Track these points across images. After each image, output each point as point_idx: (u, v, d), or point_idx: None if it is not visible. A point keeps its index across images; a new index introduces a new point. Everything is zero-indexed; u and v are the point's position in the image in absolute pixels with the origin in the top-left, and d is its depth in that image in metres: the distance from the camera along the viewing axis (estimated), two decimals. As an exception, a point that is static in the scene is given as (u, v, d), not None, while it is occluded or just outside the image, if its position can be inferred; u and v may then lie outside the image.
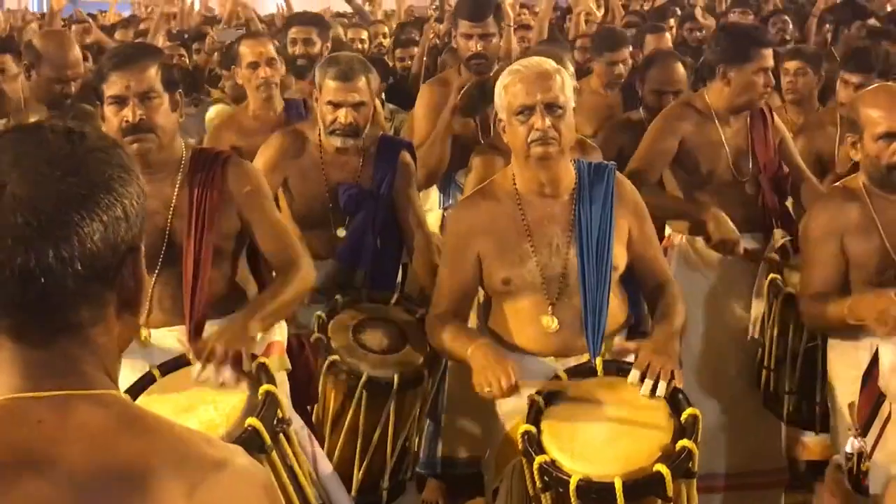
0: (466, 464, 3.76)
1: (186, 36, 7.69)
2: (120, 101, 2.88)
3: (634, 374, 2.73)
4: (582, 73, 6.52)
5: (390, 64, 6.90)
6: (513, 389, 2.71)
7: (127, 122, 2.87)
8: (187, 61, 6.84)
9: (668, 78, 4.64)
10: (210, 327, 2.94)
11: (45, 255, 1.11)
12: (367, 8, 10.24)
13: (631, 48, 5.60)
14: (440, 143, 4.10)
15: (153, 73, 2.89)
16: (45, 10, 15.42)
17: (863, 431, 2.68)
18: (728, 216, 3.90)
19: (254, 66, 4.43)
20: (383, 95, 6.15)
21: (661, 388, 2.69)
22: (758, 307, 3.77)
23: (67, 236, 1.12)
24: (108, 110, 2.91)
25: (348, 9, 10.25)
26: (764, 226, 3.97)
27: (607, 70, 5.39)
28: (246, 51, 4.49)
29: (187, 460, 1.15)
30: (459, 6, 4.40)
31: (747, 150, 3.97)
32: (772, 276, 3.66)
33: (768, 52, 3.91)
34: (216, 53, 6.56)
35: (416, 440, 3.37)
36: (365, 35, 7.48)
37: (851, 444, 2.54)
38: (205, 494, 1.13)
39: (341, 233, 3.71)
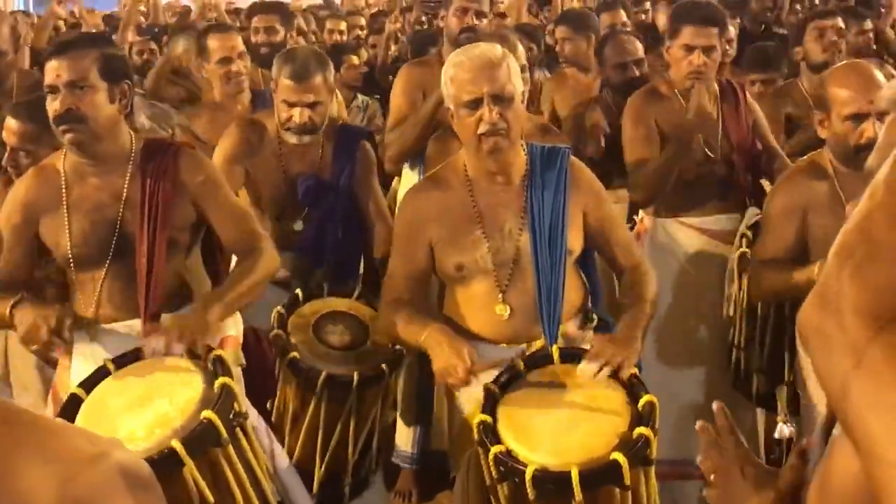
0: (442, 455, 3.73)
1: (157, 30, 7.62)
2: (52, 90, 2.84)
3: (585, 368, 2.69)
4: (554, 56, 6.51)
5: (364, 52, 6.87)
6: (469, 374, 2.69)
7: (56, 111, 2.83)
8: (156, 54, 6.78)
9: (624, 49, 4.66)
10: (165, 321, 2.90)
11: None
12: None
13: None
14: (421, 127, 4.02)
15: (87, 63, 2.83)
16: (30, 8, 15.31)
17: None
18: (701, 196, 3.89)
19: (226, 61, 4.37)
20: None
21: (625, 374, 2.65)
22: (731, 286, 3.76)
23: None
24: (47, 100, 2.87)
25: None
26: (738, 205, 3.95)
27: (560, 48, 5.37)
28: (216, 45, 4.42)
29: (58, 455, 1.10)
30: None
31: (717, 128, 3.95)
32: (741, 250, 3.64)
33: (697, 29, 3.85)
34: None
35: (379, 434, 3.33)
36: (343, 26, 7.47)
37: (780, 431, 2.52)
38: (77, 490, 1.08)
39: (298, 226, 3.68)
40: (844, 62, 3.70)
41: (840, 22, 4.53)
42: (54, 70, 2.83)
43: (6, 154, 3.27)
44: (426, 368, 2.94)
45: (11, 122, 3.27)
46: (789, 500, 1.36)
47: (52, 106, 2.84)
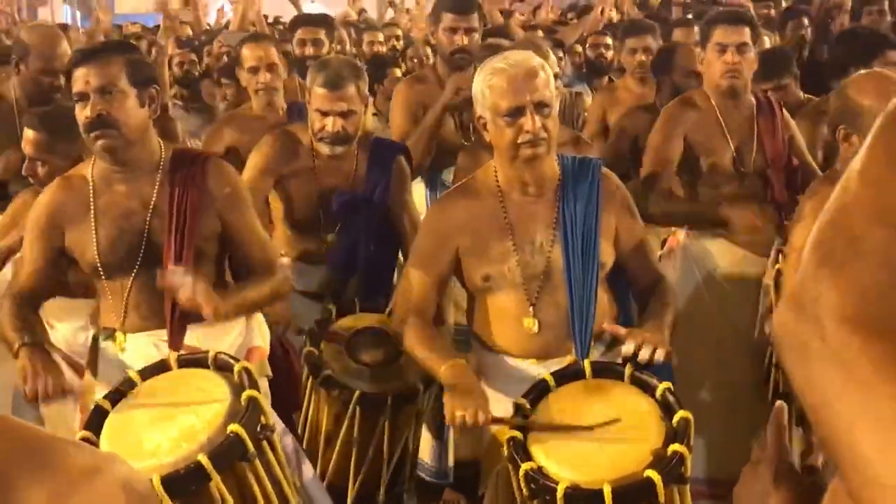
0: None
1: (196, 42, 7.68)
2: (82, 98, 2.83)
3: (628, 347, 2.64)
4: (595, 69, 6.46)
5: (402, 64, 6.87)
6: (485, 423, 2.63)
7: (87, 117, 2.82)
8: (198, 67, 6.82)
9: (694, 57, 4.53)
10: (191, 332, 2.89)
11: None
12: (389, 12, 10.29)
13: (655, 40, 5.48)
14: (427, 137, 4.02)
15: (116, 69, 2.83)
16: (77, 21, 15.49)
17: None
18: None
19: (254, 70, 4.39)
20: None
21: (660, 354, 2.60)
22: (766, 302, 3.67)
23: None
24: (76, 109, 2.86)
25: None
26: (773, 219, 3.87)
27: (628, 58, 5.27)
28: (247, 54, 4.45)
29: (50, 468, 1.05)
30: (443, 0, 4.29)
31: (752, 142, 3.88)
32: (778, 266, 3.54)
33: (728, 28, 3.81)
34: (224, 57, 6.55)
35: (413, 450, 3.28)
36: (381, 38, 7.52)
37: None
38: None
39: (330, 238, 3.65)
40: (866, 72, 3.60)
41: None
42: (83, 77, 2.82)
43: (25, 163, 3.29)
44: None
45: (28, 132, 3.29)
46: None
47: (83, 113, 2.83)
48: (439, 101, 3.98)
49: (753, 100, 3.95)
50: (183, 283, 2.72)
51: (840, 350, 0.87)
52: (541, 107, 2.79)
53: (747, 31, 3.84)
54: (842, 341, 0.87)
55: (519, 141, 2.80)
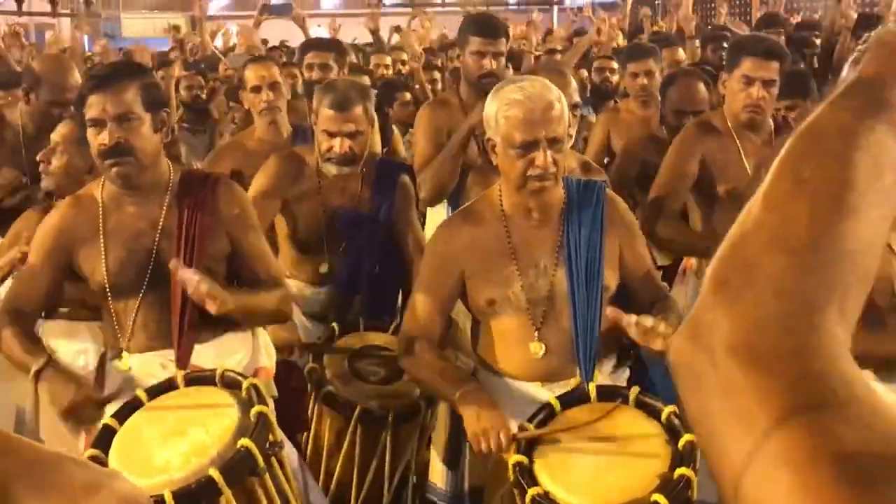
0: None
1: (203, 65, 7.74)
2: (98, 124, 2.83)
3: (630, 317, 2.61)
4: (601, 93, 6.50)
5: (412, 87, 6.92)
6: (501, 441, 2.63)
7: (104, 145, 2.82)
8: (204, 89, 6.87)
9: (689, 97, 4.54)
10: (197, 352, 2.89)
11: None
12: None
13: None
14: (453, 158, 3.97)
15: (132, 95, 2.83)
16: (85, 44, 15.53)
17: None
18: None
19: (257, 89, 4.40)
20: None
21: (663, 328, 2.58)
22: None
23: None
24: (89, 133, 2.86)
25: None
26: None
27: (630, 82, 5.25)
28: (250, 75, 4.47)
29: (52, 484, 1.07)
30: (470, 24, 4.24)
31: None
32: None
33: (759, 62, 3.76)
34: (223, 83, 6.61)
35: (415, 467, 3.30)
36: (389, 61, 7.57)
37: None
38: None
39: (323, 268, 3.65)
40: None
41: None
42: (99, 104, 2.82)
43: (45, 150, 3.31)
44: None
45: (66, 124, 3.31)
46: None
47: (99, 139, 2.83)
48: (465, 123, 3.90)
49: (771, 122, 3.92)
50: (192, 278, 2.72)
51: (728, 382, 0.81)
52: (554, 143, 2.79)
53: (777, 66, 3.79)
54: (730, 373, 0.81)
55: (528, 174, 2.81)
